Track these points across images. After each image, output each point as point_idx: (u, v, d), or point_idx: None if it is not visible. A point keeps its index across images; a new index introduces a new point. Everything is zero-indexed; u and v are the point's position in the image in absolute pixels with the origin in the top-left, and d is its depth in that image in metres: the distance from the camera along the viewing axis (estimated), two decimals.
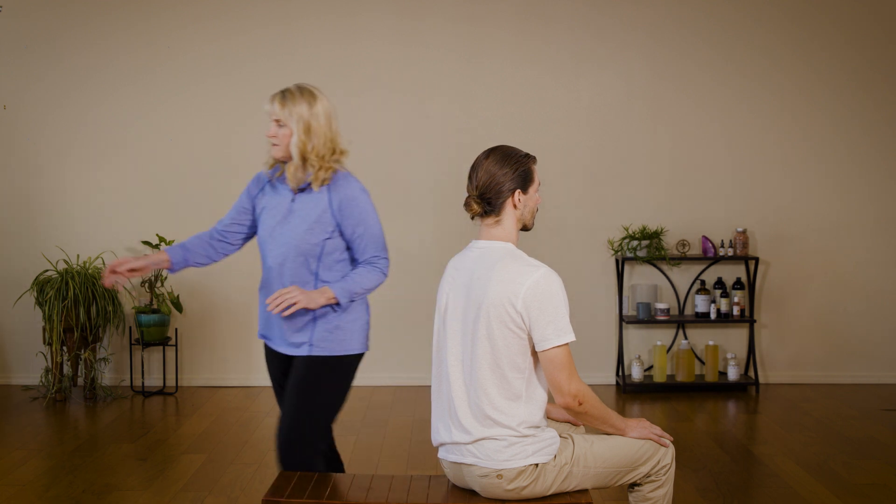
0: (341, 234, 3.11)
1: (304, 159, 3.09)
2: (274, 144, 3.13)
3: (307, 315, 3.11)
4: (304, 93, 3.12)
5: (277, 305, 2.99)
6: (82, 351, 5.84)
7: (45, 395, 5.84)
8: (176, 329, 6.15)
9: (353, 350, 3.15)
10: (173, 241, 5.99)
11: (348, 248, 3.16)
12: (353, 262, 3.16)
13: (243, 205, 3.29)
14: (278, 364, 3.26)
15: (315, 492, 2.84)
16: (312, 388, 3.10)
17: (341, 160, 3.15)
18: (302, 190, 3.13)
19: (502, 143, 2.87)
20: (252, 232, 3.33)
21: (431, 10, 6.22)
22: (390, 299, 6.29)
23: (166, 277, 6.05)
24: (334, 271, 3.12)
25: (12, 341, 6.28)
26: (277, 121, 3.10)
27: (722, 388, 6.11)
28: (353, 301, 3.10)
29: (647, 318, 6.08)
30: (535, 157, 2.82)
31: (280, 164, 3.19)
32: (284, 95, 3.11)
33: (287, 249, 3.11)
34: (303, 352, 3.13)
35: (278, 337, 3.19)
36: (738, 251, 6.13)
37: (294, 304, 3.00)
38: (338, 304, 3.07)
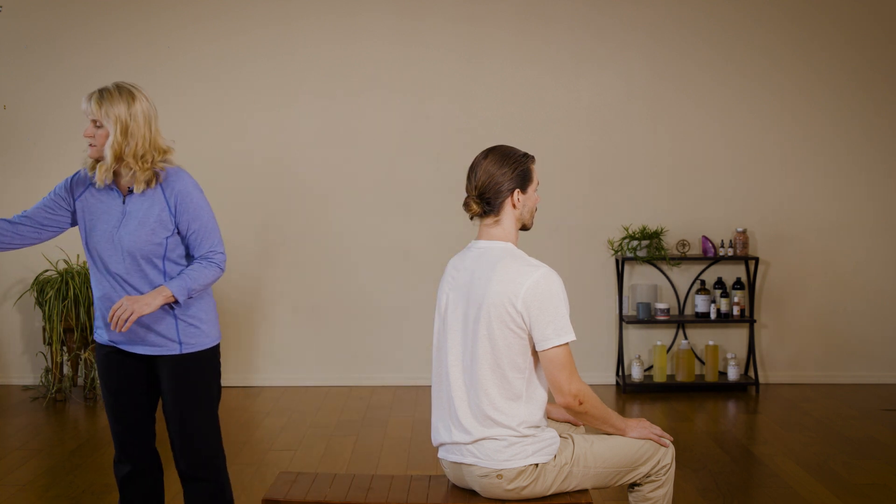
0: (177, 230, 3.03)
1: (118, 160, 2.98)
2: (91, 145, 3.02)
3: (168, 316, 3.03)
4: (122, 92, 3.01)
5: (116, 324, 2.88)
6: (82, 351, 5.84)
7: (45, 395, 5.84)
8: None
9: (216, 340, 3.12)
10: None
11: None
12: (189, 257, 3.08)
13: (60, 195, 3.14)
14: (128, 368, 3.11)
15: (315, 492, 2.84)
16: (191, 385, 3.07)
17: (168, 158, 3.06)
18: (131, 191, 3.03)
19: (501, 143, 2.87)
20: (62, 227, 3.20)
21: (431, 10, 6.22)
22: (390, 299, 6.30)
23: None
24: (182, 266, 3.06)
25: (12, 341, 6.28)
26: (94, 121, 2.99)
27: (722, 388, 6.11)
28: (190, 297, 3.02)
29: (647, 318, 6.08)
30: (533, 157, 2.83)
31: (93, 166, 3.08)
32: (102, 95, 2.99)
33: (133, 252, 3.00)
34: (170, 351, 3.04)
35: (134, 339, 3.06)
36: (738, 251, 6.13)
37: (130, 315, 2.89)
38: (176, 302, 2.98)
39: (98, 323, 3.12)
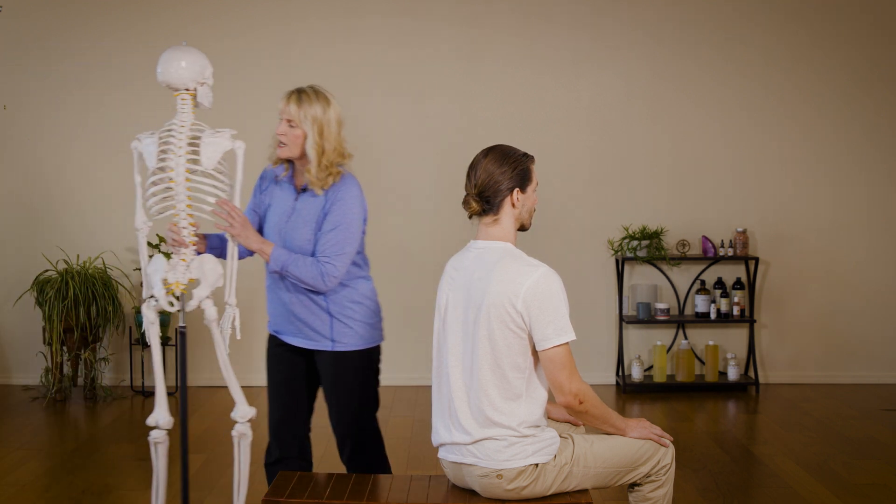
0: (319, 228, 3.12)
1: (307, 160, 3.10)
2: (282, 144, 3.12)
3: (323, 312, 3.15)
4: (319, 96, 3.12)
5: (229, 214, 3.03)
6: (82, 351, 5.84)
7: (45, 395, 5.84)
8: (176, 329, 6.14)
9: (371, 344, 3.22)
10: None
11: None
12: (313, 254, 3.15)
13: (256, 197, 3.31)
14: (288, 359, 3.28)
15: (315, 492, 2.84)
16: (347, 381, 3.19)
17: (346, 163, 3.17)
18: (304, 190, 3.15)
19: (501, 143, 2.88)
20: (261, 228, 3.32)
21: (431, 10, 6.22)
22: (390, 299, 6.29)
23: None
24: (319, 262, 3.14)
25: (12, 341, 6.28)
26: (289, 121, 3.09)
27: (722, 388, 6.11)
28: (277, 272, 3.10)
29: (647, 318, 6.08)
30: (533, 157, 2.83)
31: (285, 163, 3.20)
32: (301, 97, 3.10)
33: (291, 248, 3.13)
34: (324, 347, 3.17)
35: (292, 330, 3.21)
36: (738, 251, 6.13)
37: (234, 225, 3.04)
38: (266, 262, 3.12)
39: (268, 310, 3.29)
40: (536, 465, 2.71)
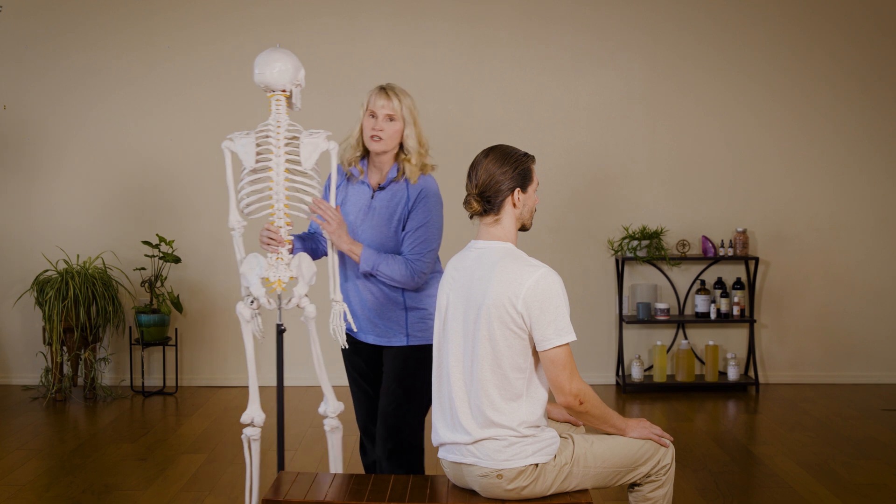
0: (403, 226, 3.16)
1: (417, 151, 3.15)
2: (379, 139, 3.14)
3: (400, 308, 3.18)
4: (404, 90, 3.20)
5: (324, 211, 3.04)
6: (82, 351, 5.84)
7: (45, 395, 5.84)
8: (176, 329, 6.15)
9: None
10: (173, 241, 6.00)
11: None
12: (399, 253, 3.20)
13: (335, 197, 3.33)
14: (365, 355, 3.30)
15: (315, 492, 2.84)
16: (412, 376, 3.20)
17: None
18: (382, 188, 3.17)
19: (502, 143, 2.88)
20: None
21: (431, 10, 6.22)
22: None
23: (166, 277, 6.05)
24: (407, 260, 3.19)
25: (12, 341, 6.28)
26: (389, 115, 3.13)
27: (722, 388, 6.11)
28: (367, 273, 3.15)
29: (647, 318, 6.08)
30: (533, 157, 2.84)
31: (356, 161, 3.23)
32: (395, 90, 3.16)
33: (372, 246, 3.17)
34: (398, 342, 3.19)
35: (365, 328, 3.24)
36: (738, 251, 6.13)
37: (331, 225, 3.06)
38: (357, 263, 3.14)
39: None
40: (536, 465, 2.71)
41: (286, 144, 3.09)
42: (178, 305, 6.05)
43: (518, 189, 2.77)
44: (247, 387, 6.17)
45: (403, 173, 3.17)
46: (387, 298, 3.20)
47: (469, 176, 2.80)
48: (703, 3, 6.24)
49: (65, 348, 5.85)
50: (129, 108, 6.21)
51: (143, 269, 6.00)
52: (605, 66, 6.26)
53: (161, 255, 5.94)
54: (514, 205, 2.78)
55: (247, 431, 3.18)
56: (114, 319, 5.87)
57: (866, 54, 6.25)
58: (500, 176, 2.75)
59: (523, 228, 2.87)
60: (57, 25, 6.22)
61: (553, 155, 6.14)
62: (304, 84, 3.17)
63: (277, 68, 3.09)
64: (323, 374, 3.22)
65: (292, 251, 3.17)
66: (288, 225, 3.11)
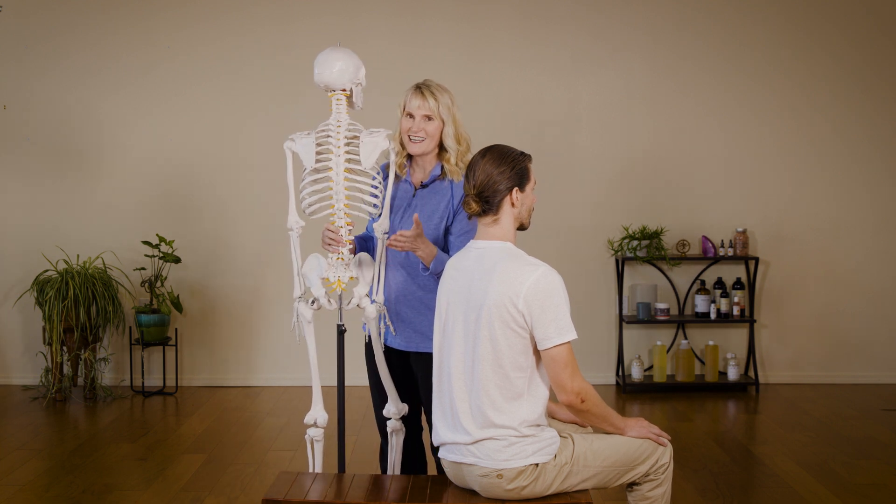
0: (448, 226, 3.13)
1: (457, 149, 3.11)
2: (419, 140, 3.10)
3: (429, 310, 3.14)
4: (443, 88, 3.13)
5: (396, 241, 2.96)
6: (82, 351, 5.84)
7: (45, 395, 5.84)
8: (176, 329, 6.15)
9: None
10: (173, 241, 6.00)
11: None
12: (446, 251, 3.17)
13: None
14: (392, 359, 3.24)
15: (315, 492, 2.84)
16: None
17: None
18: (424, 185, 3.15)
19: (499, 143, 2.88)
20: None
21: (431, 10, 6.22)
22: None
23: (166, 277, 6.05)
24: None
25: (12, 341, 6.28)
26: (427, 115, 3.09)
27: (722, 388, 6.11)
28: (429, 273, 3.11)
29: (646, 318, 6.08)
30: (530, 156, 2.84)
31: (403, 162, 3.19)
32: (431, 89, 3.10)
33: None
34: (425, 348, 3.16)
35: (397, 332, 3.21)
36: (738, 251, 6.13)
37: (410, 243, 2.98)
38: (425, 267, 3.08)
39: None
40: (536, 464, 2.71)
41: (346, 144, 3.05)
42: (178, 305, 6.05)
43: (516, 188, 2.77)
44: (247, 387, 6.21)
45: (447, 172, 3.14)
46: (420, 302, 3.16)
47: (466, 177, 2.80)
48: (703, 3, 6.24)
49: (65, 348, 5.85)
50: (128, 108, 6.21)
51: (143, 269, 6.00)
52: (605, 66, 6.26)
53: (161, 255, 5.94)
54: (513, 204, 2.78)
55: (310, 432, 3.17)
56: (114, 319, 5.87)
57: (866, 54, 6.25)
58: (497, 176, 2.75)
59: (522, 228, 2.88)
60: (57, 25, 6.22)
61: (553, 155, 6.13)
62: (365, 83, 3.12)
63: (338, 67, 3.04)
64: (386, 375, 3.17)
65: (354, 251, 3.14)
66: (348, 225, 3.06)
